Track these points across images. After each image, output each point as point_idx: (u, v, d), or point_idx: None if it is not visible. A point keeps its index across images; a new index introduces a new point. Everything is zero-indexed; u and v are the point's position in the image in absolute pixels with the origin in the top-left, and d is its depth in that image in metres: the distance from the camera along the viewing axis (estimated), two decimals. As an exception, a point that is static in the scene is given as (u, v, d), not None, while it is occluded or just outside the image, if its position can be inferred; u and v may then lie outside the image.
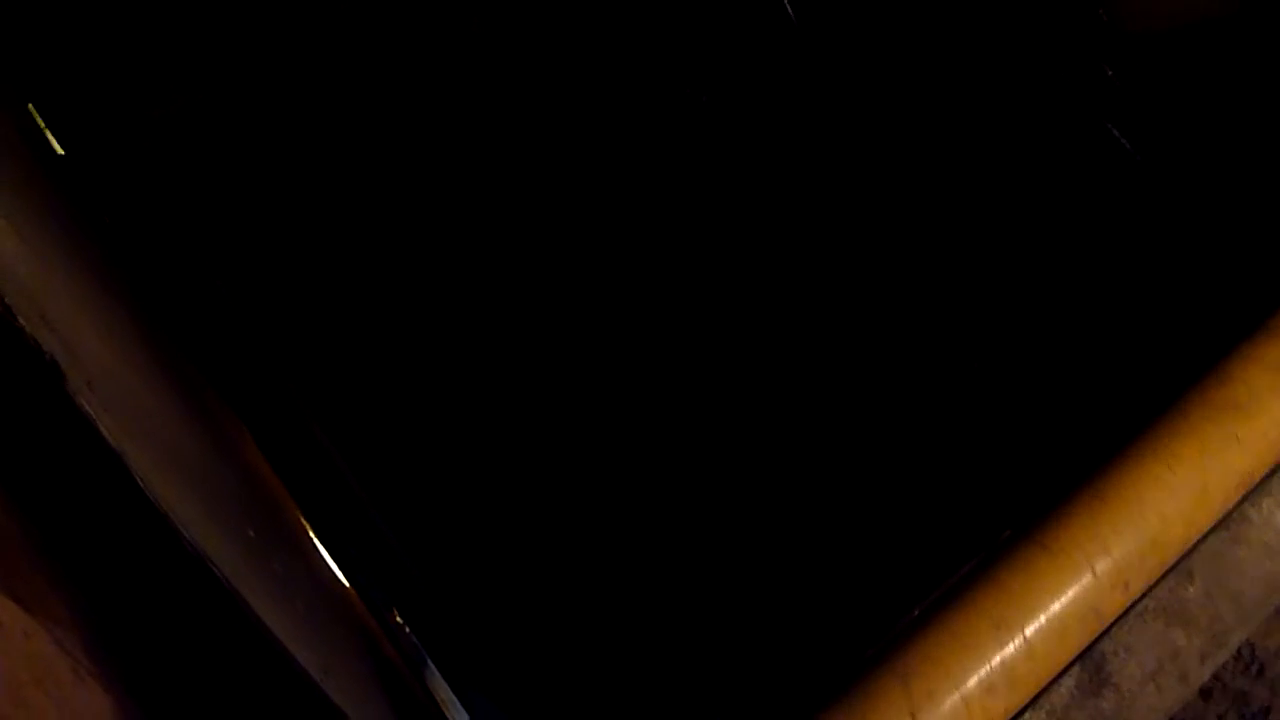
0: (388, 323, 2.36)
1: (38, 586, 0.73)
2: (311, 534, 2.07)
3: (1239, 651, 1.59)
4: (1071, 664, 1.49)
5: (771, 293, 2.52)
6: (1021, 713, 1.44)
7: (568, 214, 2.46)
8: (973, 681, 1.37)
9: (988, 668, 1.37)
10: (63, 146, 1.95)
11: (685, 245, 2.52)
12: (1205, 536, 1.59)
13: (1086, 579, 1.45)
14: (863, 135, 2.60)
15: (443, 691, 2.24)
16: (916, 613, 1.50)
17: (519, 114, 2.44)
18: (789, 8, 2.54)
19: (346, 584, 2.15)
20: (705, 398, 2.43)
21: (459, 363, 2.39)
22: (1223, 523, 1.60)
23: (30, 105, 1.95)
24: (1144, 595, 1.54)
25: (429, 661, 2.24)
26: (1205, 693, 1.58)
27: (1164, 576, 1.56)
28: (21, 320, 0.93)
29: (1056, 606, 1.43)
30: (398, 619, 2.16)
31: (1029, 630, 1.41)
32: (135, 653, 0.87)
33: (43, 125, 1.98)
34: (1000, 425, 2.34)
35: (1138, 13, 2.22)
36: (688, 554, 2.32)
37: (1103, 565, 1.45)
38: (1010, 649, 1.39)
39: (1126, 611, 1.53)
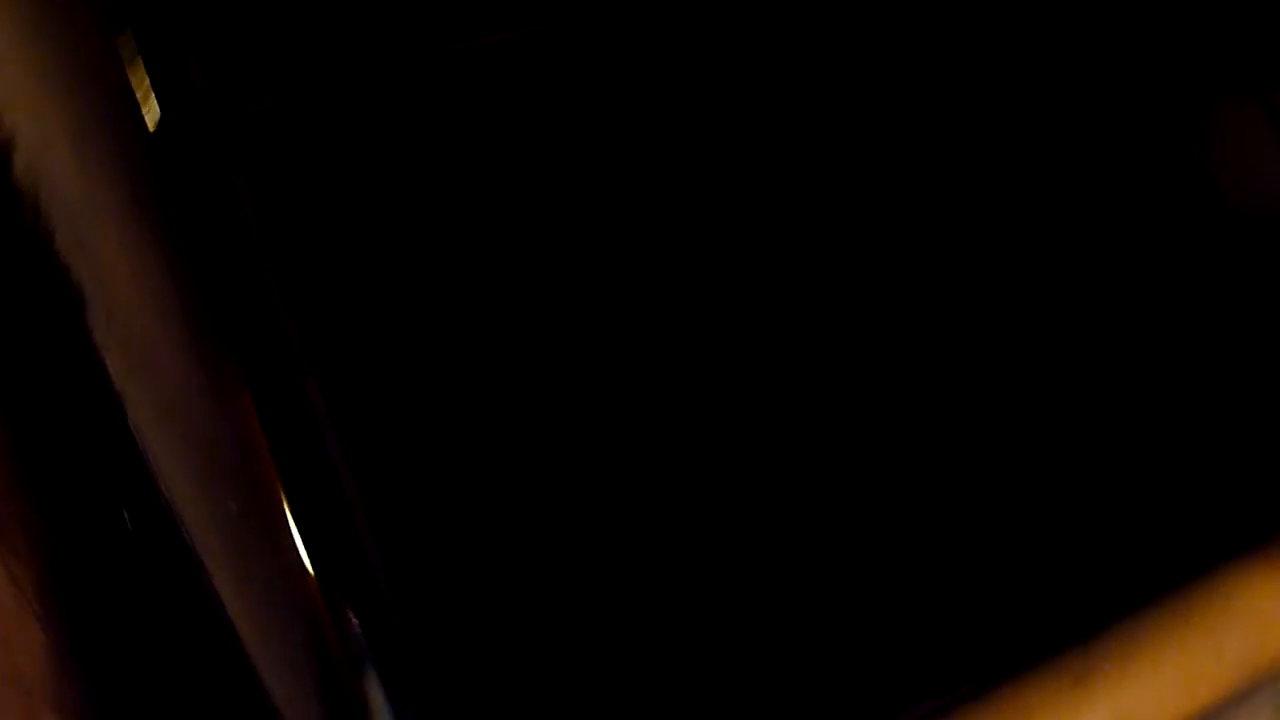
0: (416, 328, 2.36)
1: (4, 513, 0.71)
2: (288, 512, 2.04)
3: None
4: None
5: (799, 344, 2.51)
6: None
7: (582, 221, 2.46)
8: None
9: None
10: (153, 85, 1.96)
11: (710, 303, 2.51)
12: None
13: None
14: (947, 278, 2.60)
15: (376, 698, 2.20)
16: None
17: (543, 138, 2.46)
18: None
19: (309, 571, 2.12)
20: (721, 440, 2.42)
21: (484, 374, 2.38)
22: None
23: (120, 38, 1.97)
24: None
25: (370, 665, 2.20)
26: None
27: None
28: (59, 243, 0.93)
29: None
30: (352, 618, 2.13)
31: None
32: (86, 602, 0.84)
33: (126, 59, 2.00)
34: (1032, 545, 2.30)
35: (1249, 196, 2.22)
36: (676, 609, 2.29)
37: None
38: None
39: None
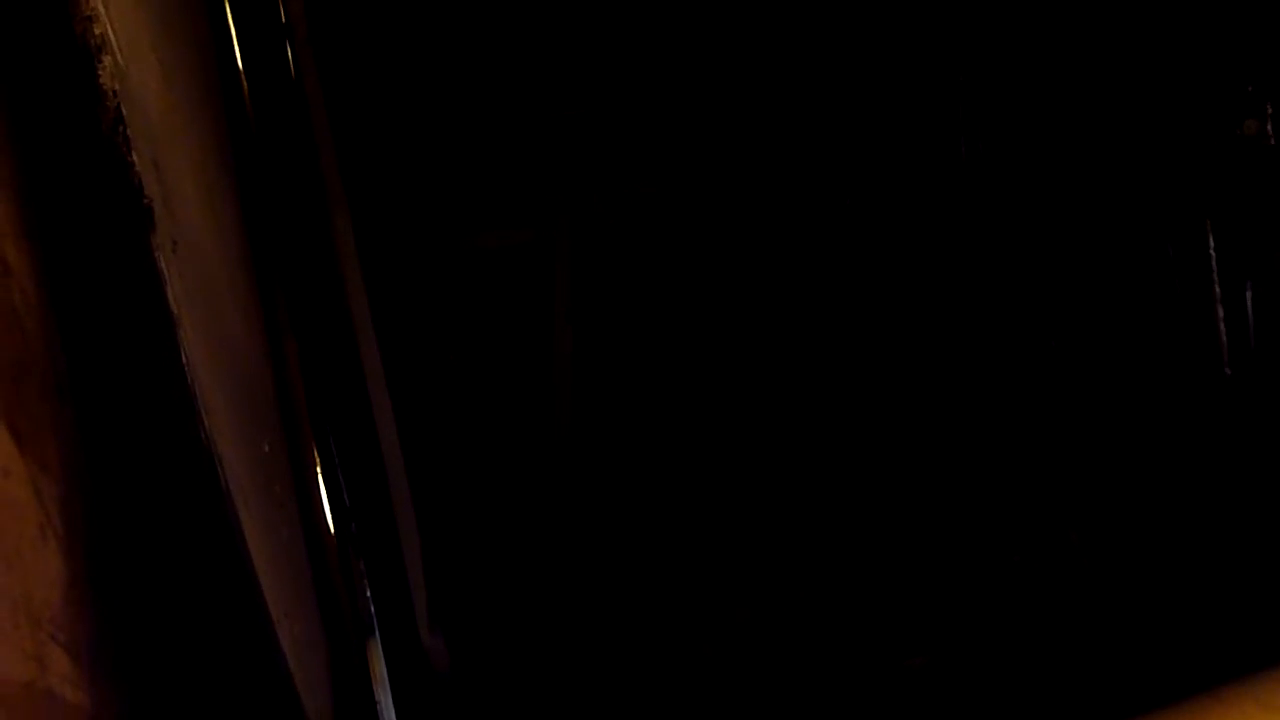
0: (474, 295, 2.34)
1: (41, 423, 0.68)
2: (319, 471, 2.02)
3: None
4: None
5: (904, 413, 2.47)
6: None
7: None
8: None
9: None
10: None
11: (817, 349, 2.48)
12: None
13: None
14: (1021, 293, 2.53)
15: (379, 667, 2.18)
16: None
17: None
18: (963, 142, 2.49)
19: (331, 532, 2.09)
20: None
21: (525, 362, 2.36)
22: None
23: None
24: None
25: (376, 635, 2.18)
26: None
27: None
28: (134, 156, 0.90)
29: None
30: (366, 589, 2.10)
31: None
32: (108, 529, 0.81)
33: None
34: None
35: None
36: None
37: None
38: None
39: None
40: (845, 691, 2.15)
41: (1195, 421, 2.41)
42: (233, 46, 1.93)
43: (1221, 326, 2.33)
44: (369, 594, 2.17)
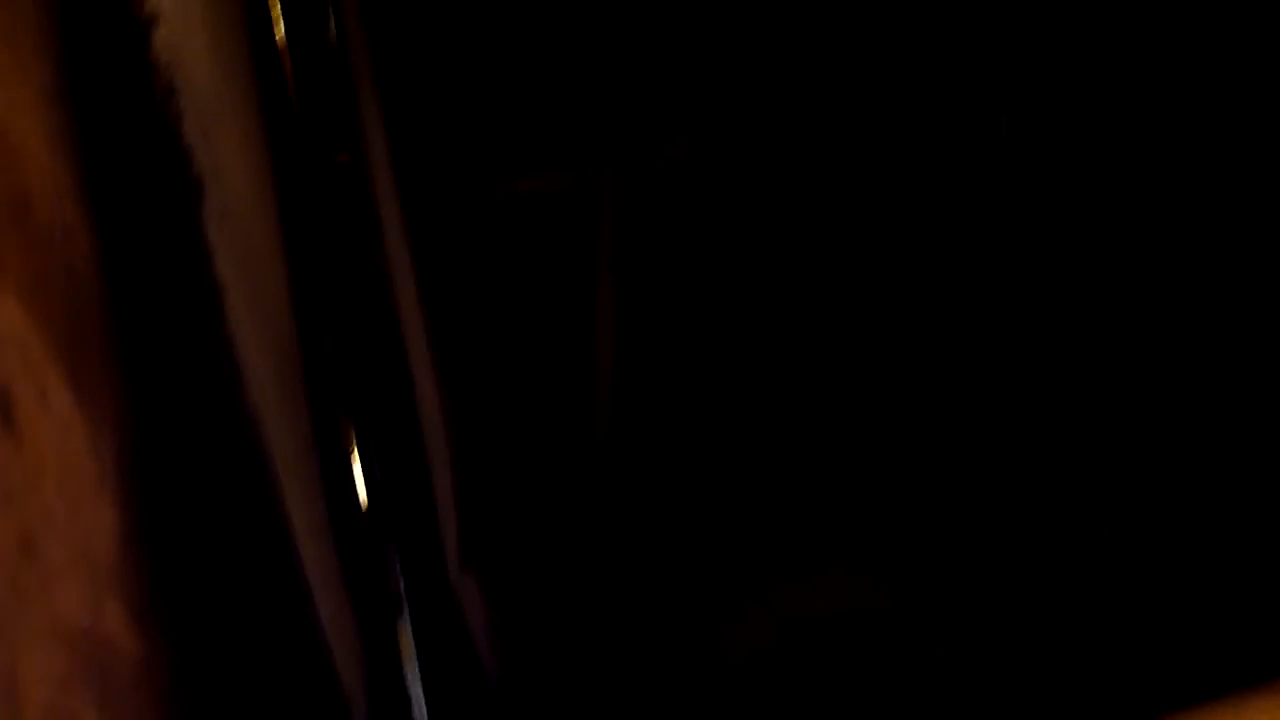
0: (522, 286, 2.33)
1: (97, 381, 0.69)
2: (354, 447, 2.04)
3: None
4: None
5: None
6: None
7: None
8: None
9: None
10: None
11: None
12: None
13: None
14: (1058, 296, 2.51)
15: (408, 646, 2.19)
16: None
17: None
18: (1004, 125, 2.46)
19: (362, 507, 2.11)
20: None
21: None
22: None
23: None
24: None
25: (406, 615, 2.19)
26: None
27: None
28: (186, 127, 0.91)
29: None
30: (398, 567, 2.11)
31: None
32: (156, 486, 0.83)
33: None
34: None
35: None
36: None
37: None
38: None
39: None
40: (868, 680, 2.15)
41: (1250, 420, 2.38)
42: None
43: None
44: (400, 577, 2.19)
